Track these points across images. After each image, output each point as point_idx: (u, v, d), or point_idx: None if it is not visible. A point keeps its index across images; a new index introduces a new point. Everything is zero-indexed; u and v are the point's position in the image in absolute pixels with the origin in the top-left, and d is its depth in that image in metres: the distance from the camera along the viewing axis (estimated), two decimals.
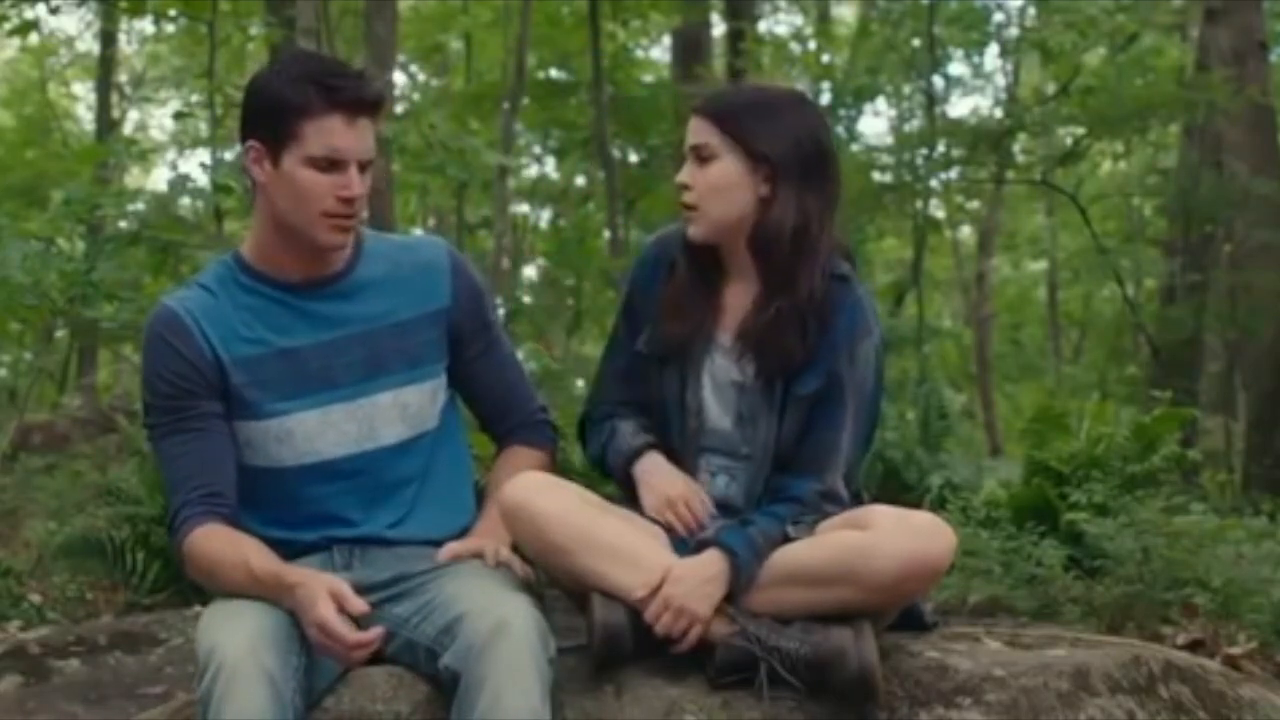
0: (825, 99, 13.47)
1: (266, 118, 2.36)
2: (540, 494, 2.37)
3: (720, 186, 2.47)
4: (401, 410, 2.49)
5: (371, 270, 2.50)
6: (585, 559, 2.34)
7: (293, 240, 2.43)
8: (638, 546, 2.37)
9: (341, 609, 2.20)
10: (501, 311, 11.70)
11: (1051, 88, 12.75)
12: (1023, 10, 13.38)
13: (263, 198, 2.42)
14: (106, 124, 15.34)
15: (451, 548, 2.44)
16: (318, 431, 2.45)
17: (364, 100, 2.36)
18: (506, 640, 2.13)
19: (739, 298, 2.54)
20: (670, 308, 2.54)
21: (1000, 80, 15.60)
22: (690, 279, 2.54)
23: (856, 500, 2.53)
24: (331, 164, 2.35)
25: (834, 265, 2.50)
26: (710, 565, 2.33)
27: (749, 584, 2.34)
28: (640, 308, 2.61)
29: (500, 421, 2.67)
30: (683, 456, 2.53)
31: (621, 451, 2.55)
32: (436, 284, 2.53)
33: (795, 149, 2.46)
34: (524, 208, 16.19)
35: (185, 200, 6.68)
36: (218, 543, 2.37)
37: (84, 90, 18.95)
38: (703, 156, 2.49)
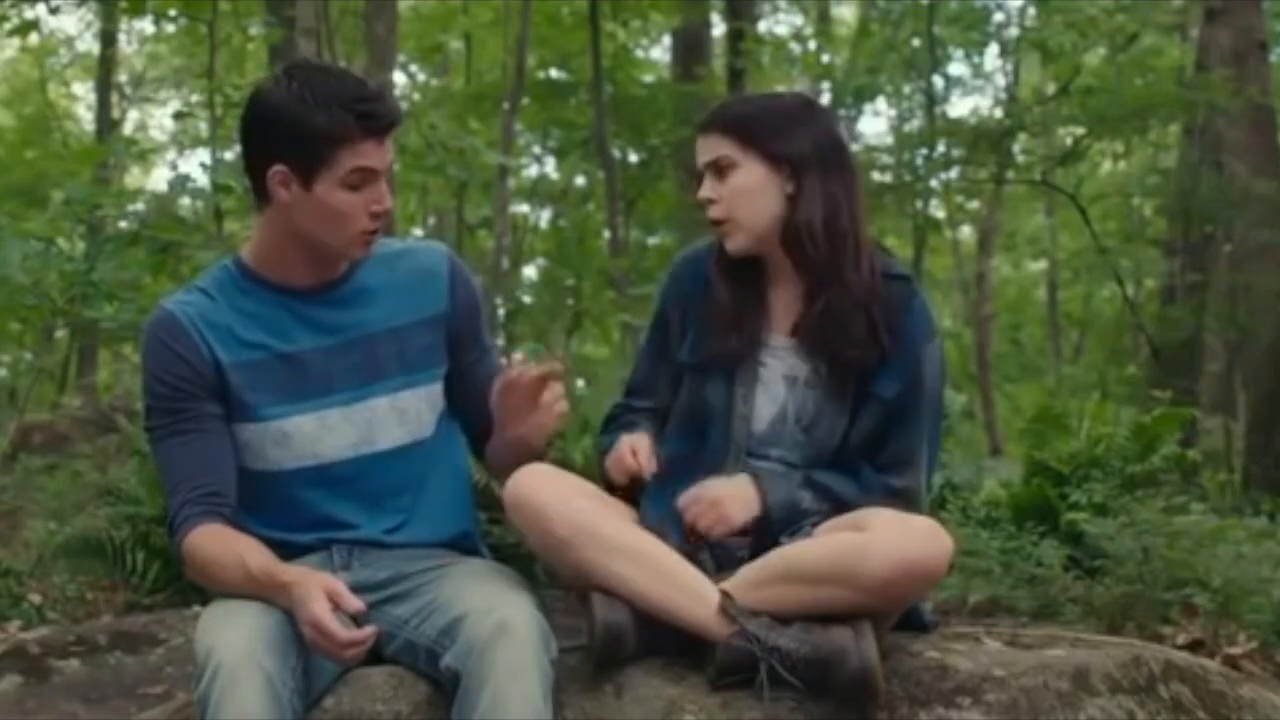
0: (825, 99, 13.48)
1: (296, 144, 2.32)
2: (544, 486, 2.37)
3: (746, 192, 2.47)
4: (399, 415, 2.49)
5: (370, 275, 2.50)
6: (587, 552, 2.33)
7: (312, 252, 2.43)
8: (640, 540, 2.36)
9: (338, 607, 2.20)
10: (501, 311, 11.71)
11: (1051, 88, 12.76)
12: (1023, 10, 13.40)
13: (282, 215, 2.40)
14: (106, 124, 15.36)
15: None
16: (316, 435, 2.45)
17: (394, 122, 2.37)
18: (508, 641, 2.13)
19: (786, 298, 2.54)
20: (723, 323, 2.53)
21: (1000, 80, 15.63)
22: (735, 292, 2.53)
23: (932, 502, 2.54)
24: (363, 181, 2.35)
25: (889, 266, 2.52)
26: (744, 484, 2.42)
27: (783, 512, 2.40)
28: (674, 320, 2.60)
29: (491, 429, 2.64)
30: (718, 463, 2.51)
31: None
32: (435, 289, 2.53)
33: (811, 144, 2.48)
34: (524, 208, 16.19)
35: (185, 200, 6.69)
36: (216, 542, 2.37)
37: (84, 90, 18.98)
38: (722, 168, 2.49)
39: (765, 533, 2.41)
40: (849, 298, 2.45)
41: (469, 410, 2.59)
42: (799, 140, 2.47)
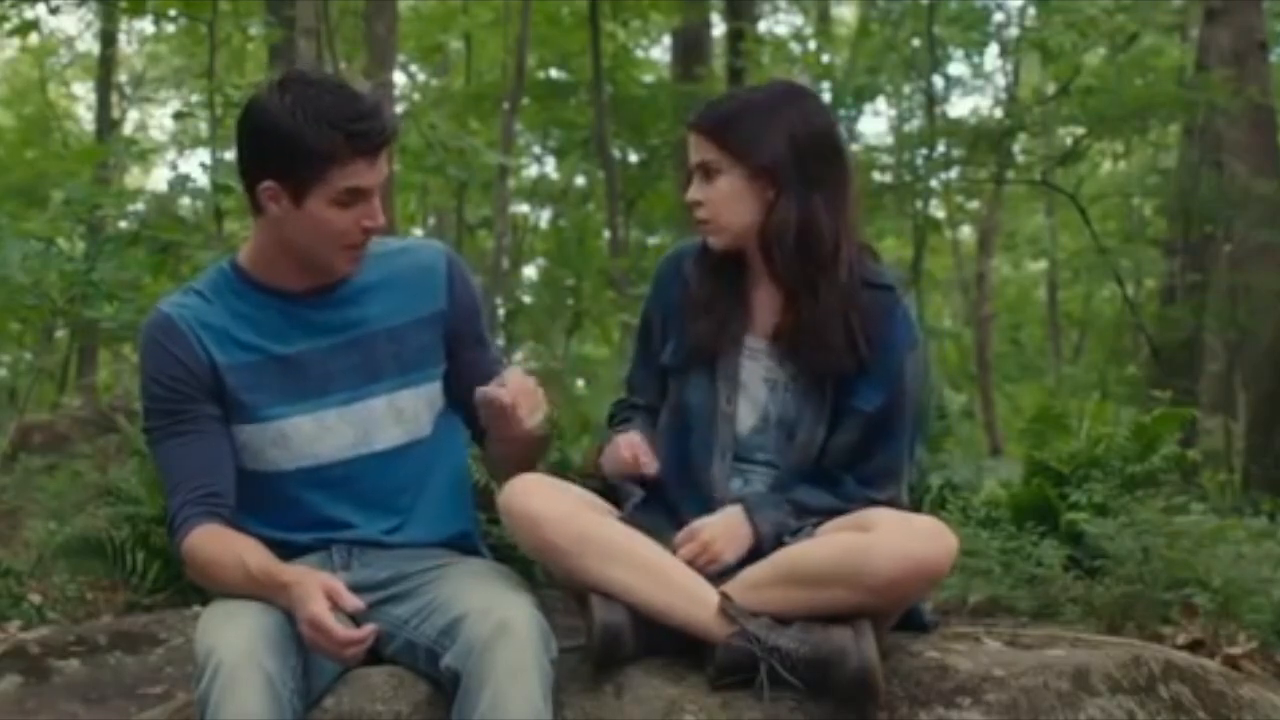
0: (825, 99, 13.45)
1: (286, 161, 2.31)
2: (538, 496, 2.38)
3: (729, 197, 2.48)
4: (396, 415, 2.48)
5: (368, 275, 2.49)
6: (583, 560, 2.33)
7: (303, 262, 2.43)
8: (635, 547, 2.36)
9: (336, 607, 2.20)
10: (501, 311, 11.72)
11: (1051, 88, 12.76)
12: (1023, 10, 13.40)
13: (274, 225, 2.39)
14: (106, 124, 15.37)
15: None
16: (314, 436, 2.45)
17: (386, 140, 2.35)
18: (508, 641, 2.13)
19: (767, 300, 2.54)
20: (695, 308, 2.54)
21: (1000, 80, 15.63)
22: (712, 282, 2.54)
23: (914, 510, 2.53)
24: (354, 200, 2.34)
25: (873, 273, 2.51)
26: (737, 520, 2.41)
27: (774, 541, 2.40)
28: (659, 324, 2.62)
29: None
30: (704, 463, 2.52)
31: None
32: (433, 287, 2.52)
33: (792, 150, 2.46)
34: (524, 208, 16.20)
35: (185, 200, 6.69)
36: (216, 543, 2.37)
37: (84, 90, 18.99)
38: (708, 170, 2.49)
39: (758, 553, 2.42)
40: (824, 305, 2.45)
41: (470, 407, 2.59)
42: (777, 144, 2.45)
